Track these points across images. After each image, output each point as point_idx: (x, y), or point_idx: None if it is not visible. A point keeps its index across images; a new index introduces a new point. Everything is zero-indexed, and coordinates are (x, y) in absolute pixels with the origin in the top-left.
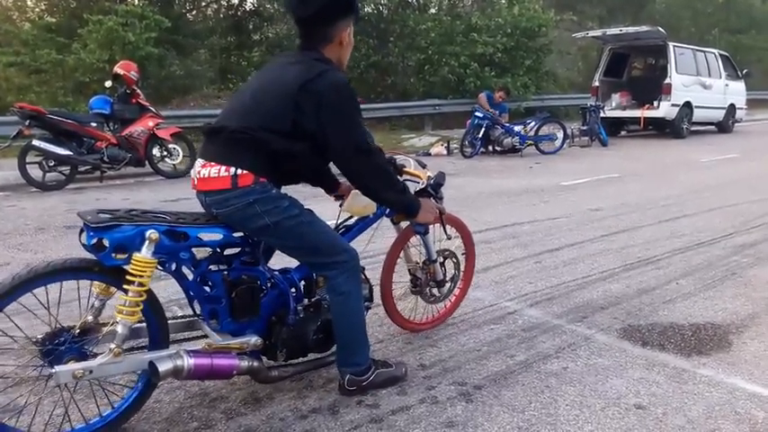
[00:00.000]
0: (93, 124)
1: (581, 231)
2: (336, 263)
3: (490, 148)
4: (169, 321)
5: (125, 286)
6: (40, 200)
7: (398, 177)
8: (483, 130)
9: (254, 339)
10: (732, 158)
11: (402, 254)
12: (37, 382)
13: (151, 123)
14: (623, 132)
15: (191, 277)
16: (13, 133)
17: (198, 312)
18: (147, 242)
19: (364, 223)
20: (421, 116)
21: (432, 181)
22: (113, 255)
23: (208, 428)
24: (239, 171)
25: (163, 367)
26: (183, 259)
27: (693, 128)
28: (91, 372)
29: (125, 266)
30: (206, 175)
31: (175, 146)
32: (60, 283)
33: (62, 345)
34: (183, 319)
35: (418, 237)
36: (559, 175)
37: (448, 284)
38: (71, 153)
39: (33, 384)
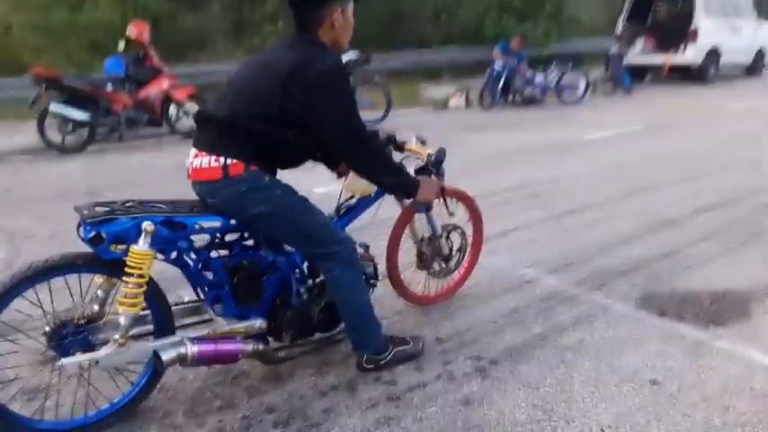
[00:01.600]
0: (109, 87)
1: (602, 190)
2: (331, 254)
3: (510, 98)
4: (176, 307)
5: (125, 278)
6: (61, 164)
7: (397, 158)
8: (503, 81)
9: (258, 322)
10: (761, 107)
11: (408, 229)
12: (52, 372)
13: (166, 85)
14: (648, 78)
15: (192, 265)
16: (31, 98)
17: (203, 297)
18: (143, 234)
19: (366, 202)
20: (439, 65)
21: (432, 158)
22: (111, 247)
23: (231, 407)
24: (229, 161)
25: (166, 356)
26: (183, 248)
27: (721, 71)
28: (97, 362)
29: (124, 258)
30: (198, 166)
31: (192, 104)
32: (63, 277)
33: (67, 337)
34: (189, 305)
35: (421, 213)
36: (581, 128)
37: (455, 257)
38: (88, 116)
39: (50, 374)
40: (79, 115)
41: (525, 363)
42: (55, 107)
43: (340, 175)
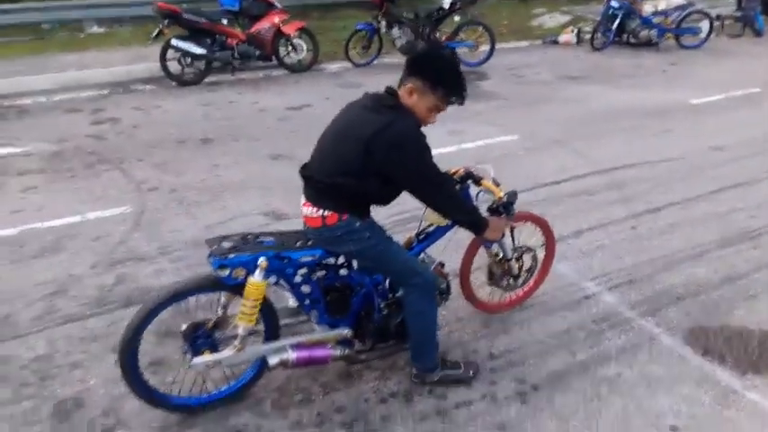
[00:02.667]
0: (224, 21)
1: (692, 183)
2: (411, 284)
3: (625, 38)
4: (282, 309)
5: (243, 301)
6: (180, 98)
7: (474, 191)
8: (618, 20)
9: (345, 332)
10: None
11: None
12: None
13: (277, 20)
14: None
15: (295, 285)
16: (154, 32)
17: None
18: (258, 269)
19: (443, 229)
20: None
21: (504, 199)
22: (233, 276)
23: (308, 402)
24: (326, 212)
25: (272, 361)
26: (289, 273)
27: None
28: (220, 362)
29: (243, 282)
30: (305, 213)
31: (300, 41)
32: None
33: (199, 338)
34: (293, 309)
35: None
36: (692, 85)
37: (524, 276)
38: (205, 51)
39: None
40: (197, 50)
41: (562, 392)
42: (176, 42)
43: None
